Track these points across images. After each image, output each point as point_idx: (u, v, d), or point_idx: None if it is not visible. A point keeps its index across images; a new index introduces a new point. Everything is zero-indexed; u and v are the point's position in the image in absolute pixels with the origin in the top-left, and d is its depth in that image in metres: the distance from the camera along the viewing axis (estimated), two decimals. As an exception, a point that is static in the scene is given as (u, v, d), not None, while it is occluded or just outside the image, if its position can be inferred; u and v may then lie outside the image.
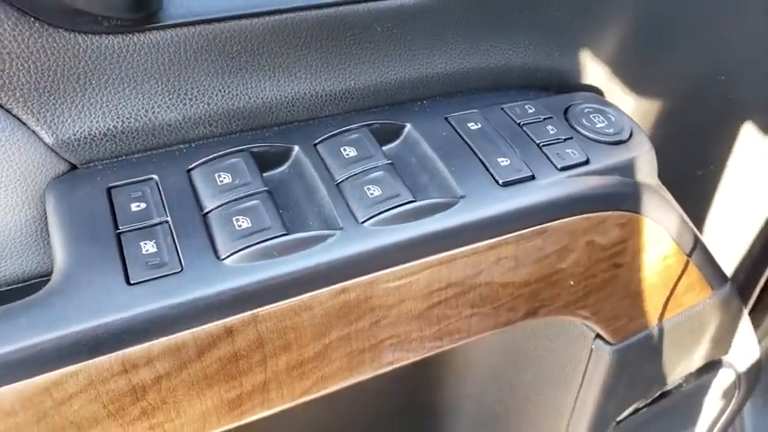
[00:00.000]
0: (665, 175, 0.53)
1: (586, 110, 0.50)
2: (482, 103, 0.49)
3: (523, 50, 0.51)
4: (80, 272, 0.35)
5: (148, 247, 0.36)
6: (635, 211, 0.46)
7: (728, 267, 0.86)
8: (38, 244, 0.40)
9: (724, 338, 0.64)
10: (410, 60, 0.47)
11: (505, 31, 0.50)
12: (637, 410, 0.65)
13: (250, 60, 0.42)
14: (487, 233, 0.41)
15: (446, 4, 0.46)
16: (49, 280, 0.35)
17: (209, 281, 0.35)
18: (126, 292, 0.34)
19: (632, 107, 0.59)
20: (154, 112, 0.40)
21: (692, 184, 0.72)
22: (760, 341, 0.97)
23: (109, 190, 0.39)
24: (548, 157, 0.45)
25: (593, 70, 0.55)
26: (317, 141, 0.44)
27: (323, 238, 0.38)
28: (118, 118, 0.40)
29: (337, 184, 0.41)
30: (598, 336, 0.54)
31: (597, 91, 0.57)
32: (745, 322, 0.65)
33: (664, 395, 0.65)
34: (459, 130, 0.46)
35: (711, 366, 0.67)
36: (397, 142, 0.46)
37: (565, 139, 0.46)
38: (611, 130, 0.48)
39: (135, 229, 0.37)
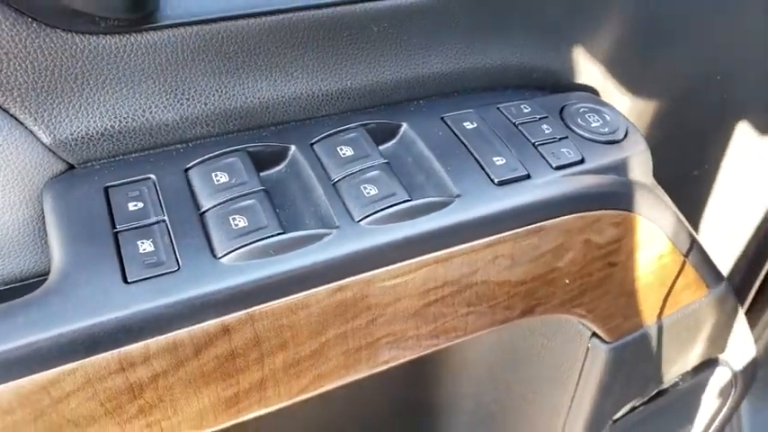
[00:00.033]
0: (660, 175, 0.53)
1: (582, 109, 0.50)
2: (478, 103, 0.49)
3: (519, 50, 0.51)
4: (77, 271, 0.35)
5: (146, 246, 0.36)
6: (630, 210, 0.47)
7: (725, 267, 0.87)
8: (35, 243, 0.40)
9: (720, 337, 0.64)
10: (406, 60, 0.47)
11: (501, 31, 0.50)
12: (633, 409, 0.65)
13: (247, 60, 0.42)
14: (483, 232, 0.41)
15: (442, 4, 0.46)
16: (46, 279, 0.35)
17: (206, 279, 0.35)
18: (123, 291, 0.34)
19: (628, 107, 0.60)
20: (151, 112, 0.41)
21: (688, 184, 0.73)
22: (757, 340, 0.97)
23: (106, 189, 0.39)
24: (543, 157, 0.45)
25: (589, 70, 0.55)
26: (313, 141, 0.44)
27: (319, 237, 0.38)
28: (115, 118, 0.40)
29: (334, 183, 0.41)
30: (594, 334, 0.54)
31: (593, 91, 0.57)
32: (741, 321, 0.65)
33: (660, 393, 0.66)
34: (455, 130, 0.46)
35: (708, 365, 0.67)
36: (393, 142, 0.46)
37: (560, 139, 0.47)
38: (607, 130, 0.49)
39: (132, 228, 0.37)
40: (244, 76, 0.42)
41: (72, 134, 0.39)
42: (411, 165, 0.45)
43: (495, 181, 0.43)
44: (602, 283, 0.49)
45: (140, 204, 0.38)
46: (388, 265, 0.39)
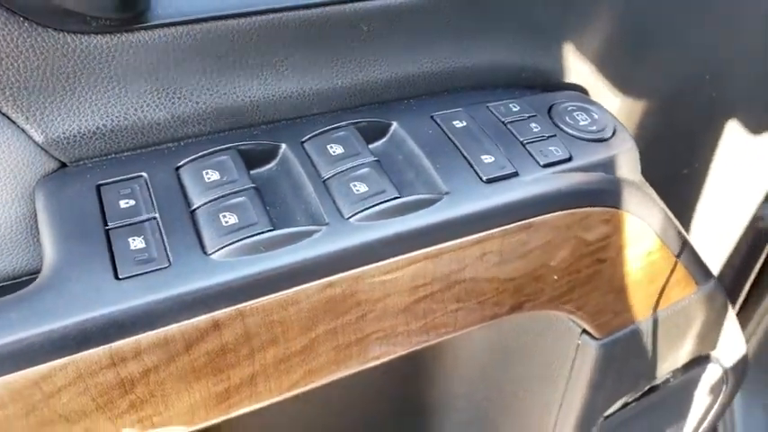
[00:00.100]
0: (650, 174, 0.54)
1: (570, 108, 0.51)
2: (468, 102, 0.49)
3: (509, 50, 0.52)
4: (69, 267, 0.35)
5: (137, 242, 0.37)
6: (617, 207, 0.47)
7: (716, 266, 0.87)
8: (28, 241, 0.41)
9: (710, 334, 0.65)
10: (396, 60, 0.48)
11: (491, 30, 0.51)
12: (625, 405, 0.65)
13: (238, 59, 0.43)
14: (472, 229, 0.42)
15: (432, 4, 0.47)
16: (37, 277, 0.36)
17: (197, 276, 0.36)
18: (114, 287, 0.35)
19: (618, 106, 0.60)
20: (143, 111, 0.41)
21: (678, 183, 0.73)
22: (749, 338, 0.98)
23: (98, 187, 0.39)
24: (531, 155, 0.46)
25: (579, 69, 0.56)
26: (304, 139, 0.44)
27: (309, 234, 0.38)
28: (107, 117, 0.40)
29: (324, 181, 0.42)
30: (584, 331, 0.55)
31: (583, 90, 0.58)
32: (731, 318, 0.66)
33: (652, 390, 0.66)
34: (444, 128, 0.47)
35: (699, 362, 0.67)
36: (383, 140, 0.47)
37: (548, 137, 0.47)
38: (595, 128, 0.49)
39: (123, 226, 0.37)
40: (235, 75, 0.43)
41: (64, 133, 0.39)
42: (401, 163, 0.45)
43: (484, 178, 0.43)
44: (591, 280, 0.50)
45: (132, 202, 0.39)
46: (377, 261, 0.40)
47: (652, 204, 0.50)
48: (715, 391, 0.72)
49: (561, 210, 0.45)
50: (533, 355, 0.61)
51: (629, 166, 0.49)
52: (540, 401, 0.63)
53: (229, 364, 0.38)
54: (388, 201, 0.40)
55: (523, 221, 0.43)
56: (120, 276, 0.35)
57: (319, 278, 0.38)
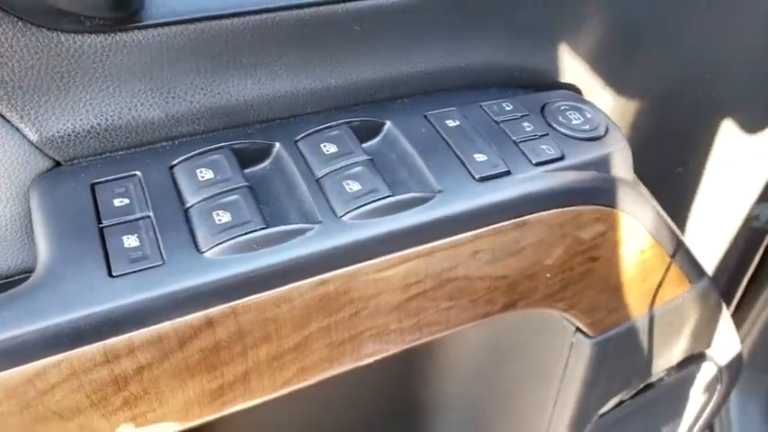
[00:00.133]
0: (644, 173, 0.54)
1: (563, 107, 0.51)
2: (461, 101, 0.50)
3: (502, 49, 0.52)
4: (63, 265, 0.35)
5: (131, 240, 0.37)
6: (610, 205, 0.48)
7: (711, 265, 0.87)
8: (22, 240, 0.41)
9: (704, 332, 0.65)
10: (390, 59, 0.48)
11: (484, 30, 0.51)
12: (620, 403, 0.66)
13: (231, 59, 0.43)
14: (464, 227, 0.42)
15: (425, 4, 0.47)
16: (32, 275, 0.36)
17: (190, 273, 0.36)
18: (108, 285, 0.35)
19: (611, 105, 0.61)
20: (137, 110, 0.41)
21: (672, 182, 0.73)
22: (745, 337, 0.98)
23: (92, 186, 0.40)
24: (523, 153, 0.46)
25: (572, 69, 0.56)
26: (297, 138, 0.44)
27: (302, 232, 0.39)
28: (101, 116, 0.40)
29: (317, 179, 0.42)
30: (578, 329, 0.55)
31: (576, 89, 0.58)
32: (725, 316, 0.66)
33: (647, 388, 0.66)
34: (437, 127, 0.47)
35: (693, 360, 0.68)
36: (377, 139, 0.47)
37: (541, 136, 0.47)
38: (587, 127, 0.49)
39: (118, 224, 0.38)
40: (228, 74, 0.43)
41: (58, 132, 0.39)
42: (394, 161, 0.45)
43: (476, 177, 0.44)
44: (584, 278, 0.50)
45: (126, 200, 0.39)
46: (370, 259, 0.40)
47: (644, 203, 0.50)
48: (710, 389, 0.72)
49: (554, 208, 0.45)
50: (527, 353, 0.61)
51: (621, 164, 0.49)
52: (535, 400, 0.64)
53: (223, 362, 0.38)
54: (380, 199, 0.41)
55: (516, 220, 0.44)
56: (114, 274, 0.35)
57: (312, 276, 0.38)
